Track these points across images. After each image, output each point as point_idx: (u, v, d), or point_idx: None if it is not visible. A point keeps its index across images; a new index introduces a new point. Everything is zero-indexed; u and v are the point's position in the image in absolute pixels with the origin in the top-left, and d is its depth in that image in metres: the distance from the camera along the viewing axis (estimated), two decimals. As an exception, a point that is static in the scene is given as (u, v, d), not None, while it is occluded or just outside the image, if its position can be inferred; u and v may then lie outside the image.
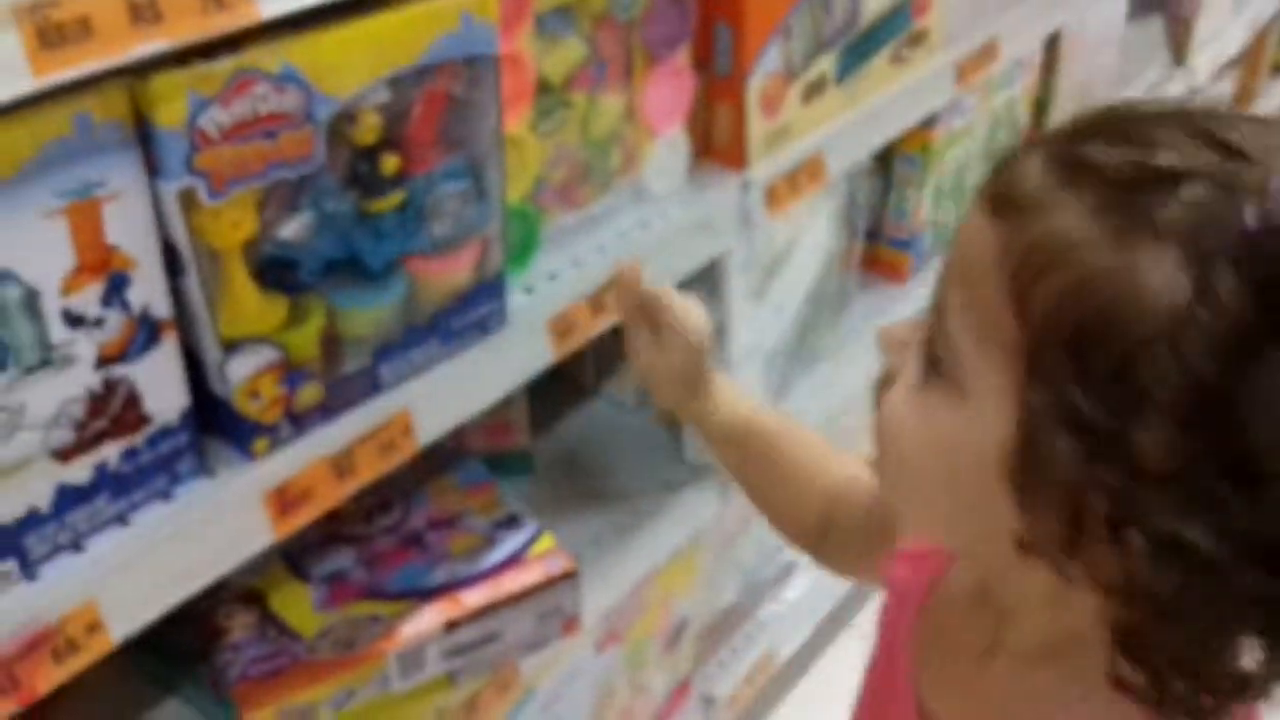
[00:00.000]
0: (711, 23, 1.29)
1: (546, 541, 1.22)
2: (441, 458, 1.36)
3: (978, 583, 0.66)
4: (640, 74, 1.19)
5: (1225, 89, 2.94)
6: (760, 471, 0.97)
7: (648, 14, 1.16)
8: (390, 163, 0.92)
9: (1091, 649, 0.55)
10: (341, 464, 0.96)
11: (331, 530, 1.23)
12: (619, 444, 1.60)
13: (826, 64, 1.41)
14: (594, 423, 1.64)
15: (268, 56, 0.79)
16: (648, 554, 1.47)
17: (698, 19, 1.28)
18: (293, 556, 1.20)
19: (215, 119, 0.77)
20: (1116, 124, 0.50)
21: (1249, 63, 3.21)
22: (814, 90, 1.40)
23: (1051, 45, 1.95)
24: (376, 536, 1.23)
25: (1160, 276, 0.44)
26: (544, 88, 1.10)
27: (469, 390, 1.07)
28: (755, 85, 1.31)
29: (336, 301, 0.94)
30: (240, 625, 1.13)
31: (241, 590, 1.17)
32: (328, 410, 0.95)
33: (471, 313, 1.04)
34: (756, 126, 1.33)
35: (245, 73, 0.77)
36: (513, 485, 1.48)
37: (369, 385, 0.98)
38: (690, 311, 0.94)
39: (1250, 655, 0.50)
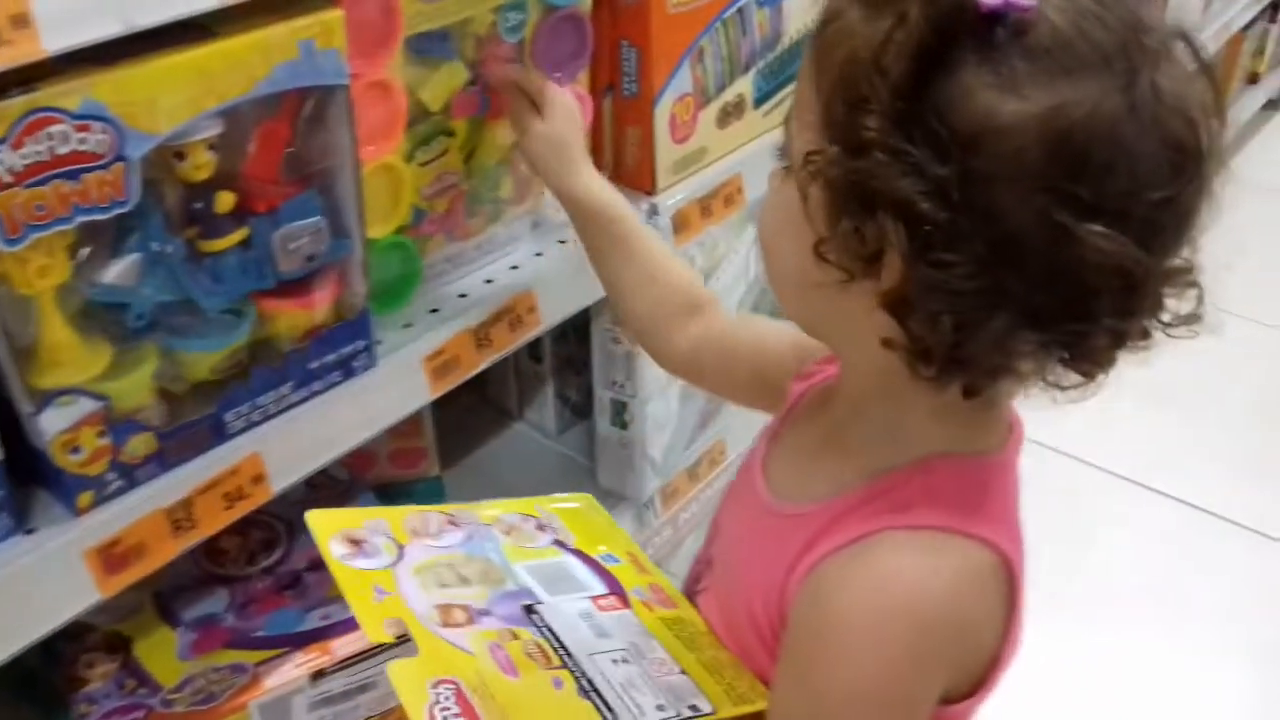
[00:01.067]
0: (617, 44, 1.23)
1: (429, 585, 1.17)
2: (340, 487, 1.31)
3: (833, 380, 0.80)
4: (533, 98, 1.13)
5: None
6: (618, 251, 1.01)
7: (539, 35, 1.10)
8: (225, 200, 0.86)
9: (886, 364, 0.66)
10: (178, 517, 0.91)
11: (210, 570, 1.18)
12: (534, 471, 1.54)
13: (744, 86, 1.35)
14: (511, 449, 1.58)
15: (65, 94, 0.73)
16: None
17: (605, 40, 1.22)
18: (165, 598, 1.15)
19: (4, 161, 0.71)
20: None
21: (1222, 72, 3.14)
22: (730, 113, 1.34)
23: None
24: (254, 578, 1.17)
25: (879, 26, 0.60)
26: (422, 114, 1.04)
27: (332, 433, 1.01)
28: (664, 108, 1.25)
29: (173, 345, 0.89)
30: (99, 674, 1.07)
31: (106, 635, 1.11)
32: (164, 460, 0.90)
33: (331, 353, 0.98)
34: (665, 150, 1.27)
35: (39, 111, 0.72)
36: (419, 515, 1.43)
37: (212, 432, 0.92)
38: (564, 92, 1.06)
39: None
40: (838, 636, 0.68)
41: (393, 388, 1.05)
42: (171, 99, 0.78)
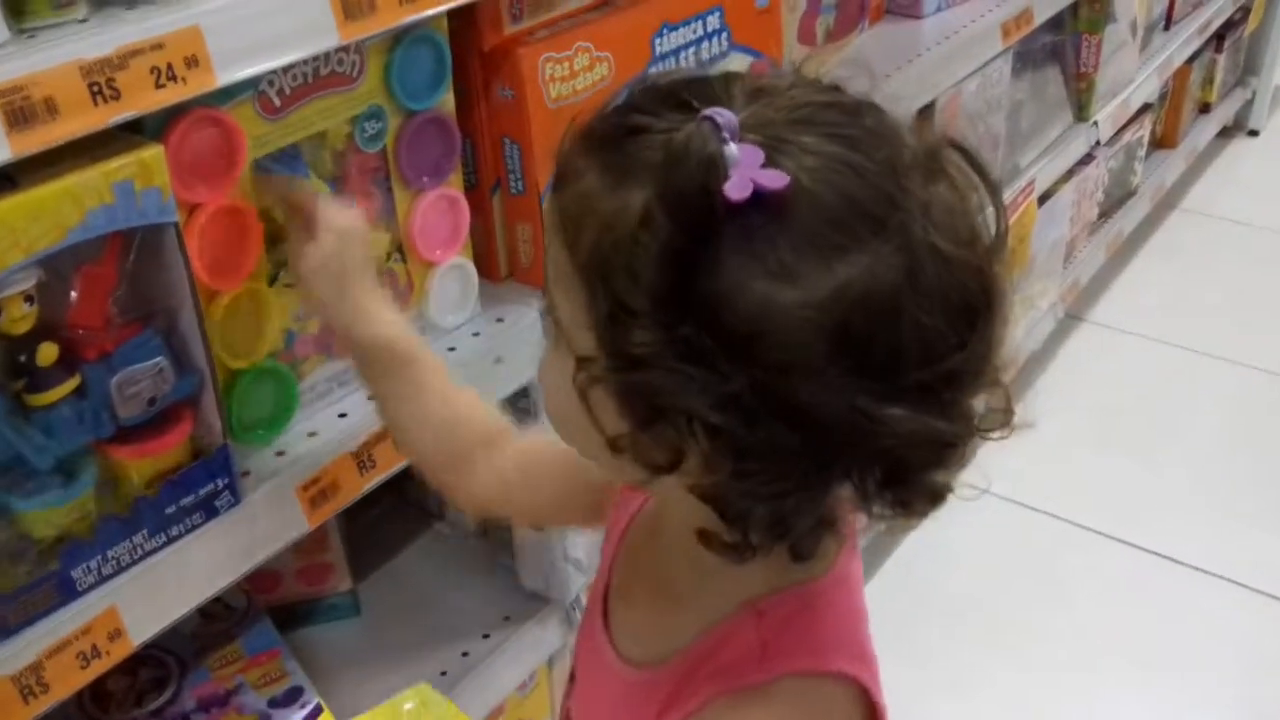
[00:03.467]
0: (499, 140, 1.19)
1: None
2: (236, 615, 1.26)
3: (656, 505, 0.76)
4: (404, 204, 1.10)
5: (1143, 134, 2.86)
6: (407, 393, 0.92)
7: (402, 142, 1.06)
8: (49, 352, 0.82)
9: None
10: (27, 683, 0.85)
11: (94, 715, 1.13)
12: (455, 575, 1.49)
13: (639, 171, 1.31)
14: (432, 552, 1.53)
15: None
16: (487, 696, 1.36)
17: (487, 137, 1.19)
18: (48, 749, 1.09)
19: None
20: (624, 99, 0.62)
21: (1171, 105, 3.13)
22: (627, 200, 1.31)
23: (924, 115, 1.86)
24: (141, 721, 1.12)
25: (631, 208, 0.56)
26: (282, 235, 1.00)
27: (198, 577, 0.96)
28: (551, 203, 1.21)
29: (8, 504, 0.84)
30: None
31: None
32: (6, 626, 0.85)
33: (188, 495, 0.93)
34: (557, 246, 1.23)
35: None
36: (336, 631, 1.38)
37: (58, 591, 0.87)
38: (343, 209, 0.93)
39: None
40: None
41: (264, 522, 1.00)
42: (-28, 255, 0.74)
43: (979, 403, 0.62)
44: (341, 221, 0.91)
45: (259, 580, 1.31)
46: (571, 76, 1.19)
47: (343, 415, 1.09)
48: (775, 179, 0.54)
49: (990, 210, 0.60)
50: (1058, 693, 1.89)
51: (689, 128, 0.56)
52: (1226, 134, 3.58)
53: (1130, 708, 1.87)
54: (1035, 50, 2.24)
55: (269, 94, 0.93)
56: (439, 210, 1.12)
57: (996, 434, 0.62)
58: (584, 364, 0.60)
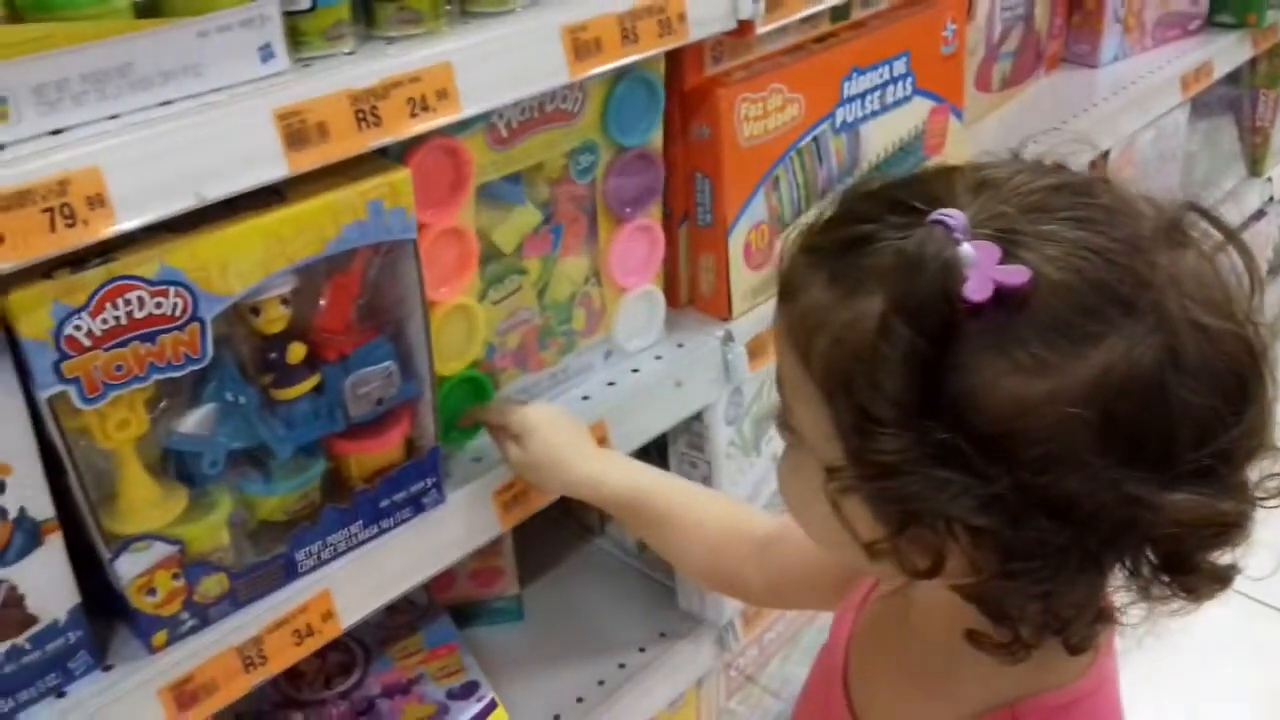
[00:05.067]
0: (691, 175, 1.25)
1: (499, 716, 1.17)
2: (418, 611, 1.33)
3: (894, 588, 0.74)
4: (606, 233, 1.16)
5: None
6: (660, 528, 1.01)
7: (610, 175, 1.13)
8: (297, 351, 0.90)
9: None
10: (249, 654, 0.93)
11: (288, 694, 1.21)
12: (614, 590, 1.54)
13: (821, 210, 1.35)
14: (592, 566, 1.58)
15: (143, 261, 0.77)
16: (639, 709, 1.41)
17: (679, 171, 1.25)
18: (244, 720, 1.18)
19: (84, 326, 0.76)
20: (839, 207, 0.63)
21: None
22: (808, 236, 1.35)
23: (1095, 166, 1.86)
24: (330, 703, 1.20)
25: (867, 318, 0.57)
26: (495, 255, 1.07)
27: (401, 568, 1.03)
28: (738, 236, 1.26)
29: (246, 489, 0.92)
30: (179, 796, 1.10)
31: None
32: (236, 599, 0.93)
33: (401, 491, 1.00)
34: (740, 277, 1.28)
35: (117, 279, 0.76)
36: (501, 633, 1.44)
37: (283, 571, 0.95)
38: (535, 406, 1.06)
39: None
40: None
41: (462, 522, 1.06)
42: (243, 262, 0.82)
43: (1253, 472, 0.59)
44: (535, 418, 1.03)
45: (437, 579, 1.38)
46: (764, 116, 1.24)
47: (535, 427, 1.15)
48: (1016, 275, 0.53)
49: (1241, 269, 0.58)
50: None
51: (920, 232, 0.56)
52: None
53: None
54: (1211, 102, 2.21)
55: (499, 126, 1.00)
56: (637, 239, 1.18)
57: (1273, 502, 0.59)
58: (834, 474, 0.59)
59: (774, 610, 1.53)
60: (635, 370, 1.24)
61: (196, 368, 0.83)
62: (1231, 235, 0.59)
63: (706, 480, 1.36)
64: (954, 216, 0.55)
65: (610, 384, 1.22)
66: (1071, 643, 0.61)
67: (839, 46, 1.32)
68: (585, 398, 1.20)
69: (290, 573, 0.95)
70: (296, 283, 0.88)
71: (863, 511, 0.60)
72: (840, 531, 0.62)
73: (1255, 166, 2.38)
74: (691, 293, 1.32)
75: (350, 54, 0.88)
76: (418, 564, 1.04)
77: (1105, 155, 1.84)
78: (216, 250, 0.81)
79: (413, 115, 0.88)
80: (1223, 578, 0.58)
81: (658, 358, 1.25)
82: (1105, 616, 0.61)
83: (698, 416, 1.31)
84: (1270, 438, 0.58)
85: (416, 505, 1.02)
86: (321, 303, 0.90)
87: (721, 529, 1.00)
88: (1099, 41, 1.93)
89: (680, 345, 1.27)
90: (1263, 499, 0.59)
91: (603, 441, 1.19)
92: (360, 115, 0.84)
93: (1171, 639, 0.62)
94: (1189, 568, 0.57)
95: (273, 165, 0.80)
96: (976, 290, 0.53)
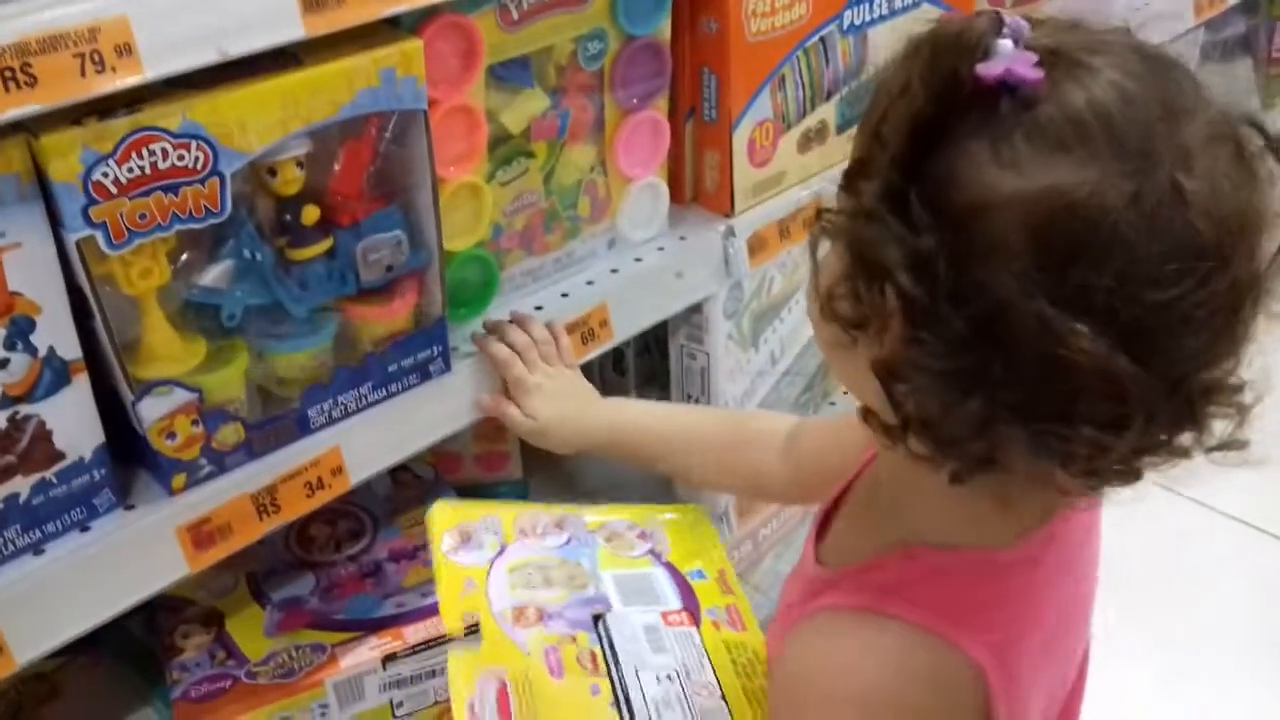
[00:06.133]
0: (699, 70, 1.28)
1: (500, 577, 1.23)
2: (425, 485, 1.38)
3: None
4: (612, 123, 1.19)
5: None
6: (676, 463, 1.09)
7: (618, 63, 1.16)
8: (311, 213, 0.94)
9: None
10: (263, 501, 0.99)
11: (299, 556, 1.27)
12: (614, 479, 1.59)
13: (826, 112, 1.38)
14: (592, 460, 1.63)
15: (167, 114, 0.81)
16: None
17: (687, 66, 1.28)
18: (257, 579, 1.24)
19: (111, 174, 0.80)
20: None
21: None
22: (812, 138, 1.38)
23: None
24: (339, 564, 1.26)
25: (899, 78, 0.61)
26: (503, 137, 1.11)
27: (408, 431, 1.08)
28: (742, 133, 1.29)
29: (262, 345, 0.97)
30: (194, 645, 1.17)
31: (204, 610, 1.21)
32: (251, 449, 0.98)
33: (409, 357, 1.05)
34: (744, 174, 1.32)
35: (142, 130, 0.80)
36: (504, 515, 1.50)
37: (296, 426, 1.00)
38: (551, 371, 1.13)
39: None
40: (794, 702, 0.71)
41: (467, 392, 1.12)
42: (261, 121, 0.86)
43: (1218, 423, 0.60)
44: (551, 382, 1.11)
45: (443, 461, 1.44)
46: (772, 13, 1.26)
47: (538, 308, 1.20)
48: (1032, 72, 0.55)
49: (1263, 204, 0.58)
50: (1191, 685, 1.91)
51: (981, 20, 0.59)
52: None
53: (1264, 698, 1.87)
54: (1225, 37, 2.21)
55: (510, 6, 1.04)
56: (643, 131, 1.22)
57: (1226, 460, 0.60)
58: (822, 213, 0.65)
59: (767, 505, 1.58)
60: (638, 260, 1.28)
61: (216, 221, 0.87)
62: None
63: (704, 371, 1.41)
64: (1015, 20, 0.58)
65: (614, 271, 1.26)
66: (957, 470, 0.63)
67: (856, -53, 1.34)
68: (590, 282, 1.24)
69: (303, 428, 1.01)
70: (311, 146, 0.92)
71: (830, 258, 0.65)
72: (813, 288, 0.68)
73: (1270, 99, 2.39)
74: (696, 188, 1.36)
75: (366, -75, 0.91)
76: (425, 428, 1.09)
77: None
78: (236, 107, 0.85)
79: (424, -15, 0.91)
80: (1100, 450, 0.58)
81: (660, 249, 1.29)
82: (989, 461, 0.61)
83: (697, 309, 1.35)
84: (1225, 377, 0.59)
85: (424, 372, 1.07)
86: (335, 168, 0.94)
87: (742, 443, 1.06)
88: (1115, -38, 1.93)
89: (683, 238, 1.31)
90: (1212, 450, 0.60)
91: (604, 326, 1.23)
92: (374, -18, 0.88)
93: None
94: (1069, 419, 0.57)
95: (290, 26, 0.84)
96: (988, 69, 0.56)
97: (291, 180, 0.92)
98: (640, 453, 1.10)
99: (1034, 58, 0.56)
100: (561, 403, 1.11)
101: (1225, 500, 2.23)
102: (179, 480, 0.95)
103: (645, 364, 1.60)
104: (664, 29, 1.18)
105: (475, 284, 1.14)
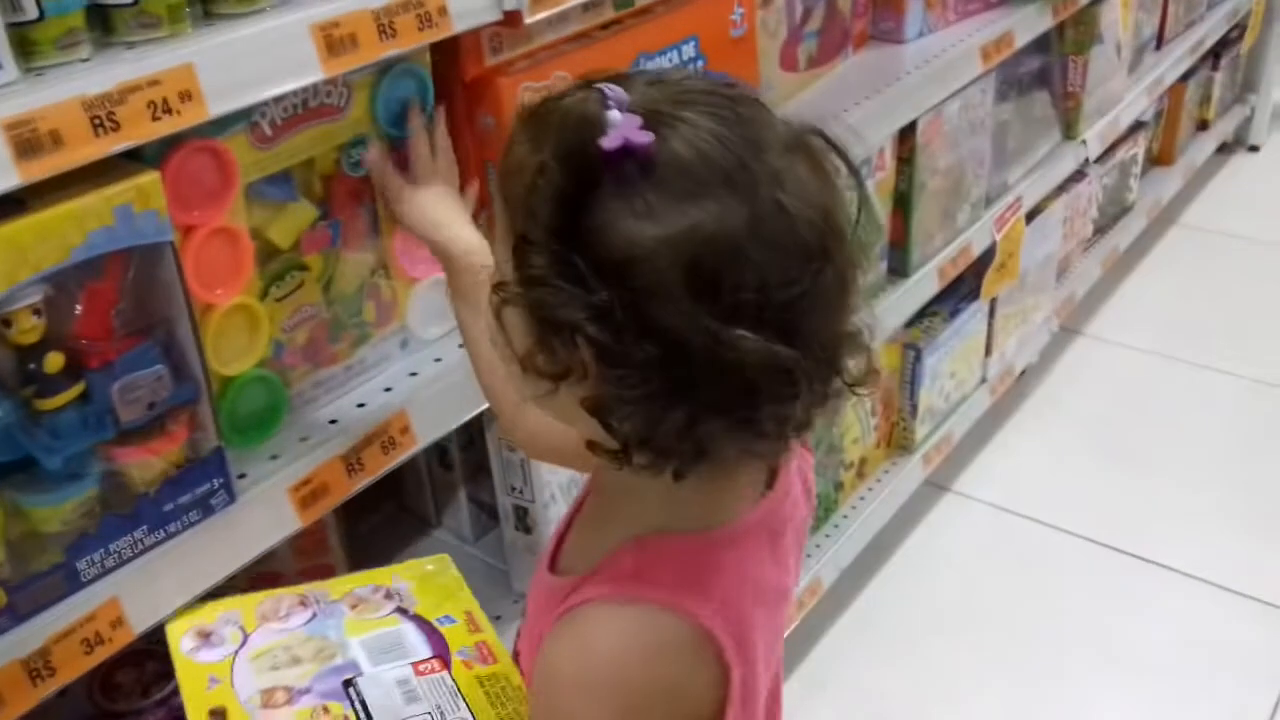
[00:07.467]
0: (484, 165, 1.27)
1: (318, 709, 1.18)
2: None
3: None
4: (388, 225, 1.18)
5: (1137, 152, 2.91)
6: (471, 302, 1.04)
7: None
8: (55, 360, 0.90)
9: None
10: (35, 666, 0.93)
11: (104, 707, 1.20)
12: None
13: (618, 192, 1.38)
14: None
15: None
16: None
17: (473, 162, 1.27)
18: (60, 735, 1.17)
19: None
20: (561, 89, 0.73)
21: (1167, 122, 3.19)
22: (606, 219, 1.38)
23: (906, 138, 1.93)
24: (147, 711, 1.19)
25: (534, 159, 0.68)
26: (273, 252, 1.08)
27: (194, 571, 1.03)
28: (532, 222, 1.28)
29: (18, 500, 0.92)
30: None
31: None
32: (16, 612, 0.92)
33: (186, 493, 1.01)
34: (538, 263, 1.30)
35: None
36: (336, 631, 1.45)
37: (65, 581, 0.95)
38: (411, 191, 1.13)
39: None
40: (552, 698, 0.75)
41: (256, 521, 1.07)
42: (-16, 273, 0.82)
43: (851, 365, 0.73)
44: (442, 166, 1.14)
45: (262, 581, 1.38)
46: (550, 104, 1.26)
47: (333, 421, 1.17)
48: (642, 136, 0.65)
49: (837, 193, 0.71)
50: (1049, 701, 1.94)
51: (583, 96, 0.69)
52: (1227, 150, 3.63)
53: (1122, 716, 1.91)
54: (1023, 73, 2.30)
55: (261, 124, 1.02)
56: (423, 230, 1.20)
57: (864, 390, 0.74)
58: (498, 288, 0.71)
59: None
60: (438, 359, 1.26)
61: (-56, 382, 0.82)
62: (845, 159, 0.72)
63: (524, 463, 1.39)
64: (613, 90, 0.68)
65: (412, 374, 1.23)
66: (678, 468, 0.72)
67: (624, 33, 1.35)
68: (387, 389, 1.22)
69: (73, 582, 0.96)
70: (48, 291, 0.88)
71: (518, 323, 0.71)
72: (505, 346, 0.73)
73: (1069, 130, 2.49)
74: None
75: (86, 61, 0.88)
76: (213, 565, 1.05)
77: (912, 127, 1.91)
78: (-48, 263, 0.80)
79: (155, 119, 0.88)
80: (784, 417, 0.70)
81: (460, 345, 1.27)
82: (702, 453, 0.70)
83: (508, 401, 1.33)
84: (854, 333, 0.72)
85: (205, 507, 1.03)
86: (78, 310, 0.91)
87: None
88: (903, 18, 1.99)
89: (483, 332, 1.29)
90: (855, 386, 0.73)
91: (405, 433, 1.21)
92: (96, 121, 0.85)
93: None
94: (755, 403, 0.68)
95: (3, 175, 0.80)
96: (609, 141, 0.65)
97: (29, 329, 0.88)
98: (460, 280, 1.06)
99: (638, 120, 0.66)
100: (438, 199, 1.11)
101: (1066, 518, 2.29)
102: (-66, 657, 0.89)
103: (471, 457, 1.57)
104: (430, 129, 1.17)
105: (260, 406, 1.11)
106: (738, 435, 0.70)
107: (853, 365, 0.73)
